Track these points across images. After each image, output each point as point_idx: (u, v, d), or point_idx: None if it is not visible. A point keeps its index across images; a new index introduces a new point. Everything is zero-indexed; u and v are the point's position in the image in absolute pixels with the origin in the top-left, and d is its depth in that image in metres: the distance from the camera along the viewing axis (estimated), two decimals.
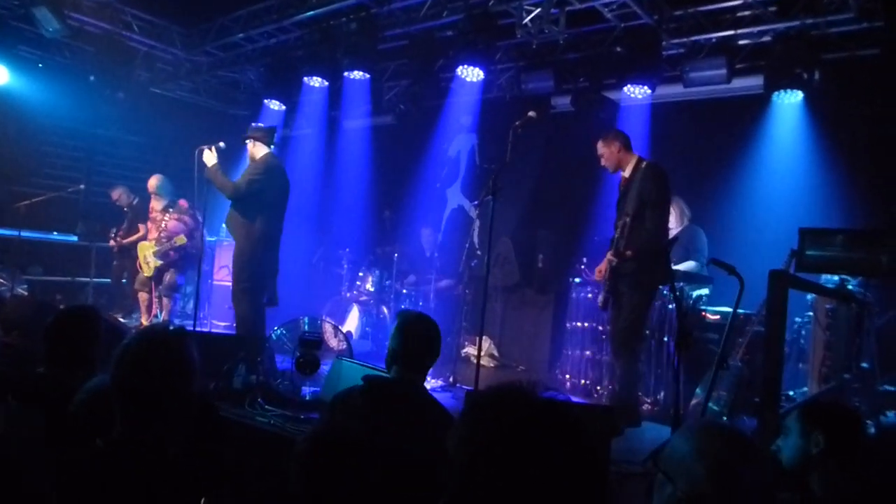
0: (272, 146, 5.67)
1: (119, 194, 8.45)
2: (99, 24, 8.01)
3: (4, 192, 8.62)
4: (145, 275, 7.48)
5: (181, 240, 6.91)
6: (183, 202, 7.53)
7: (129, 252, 8.11)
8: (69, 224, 8.77)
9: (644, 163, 4.82)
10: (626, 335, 4.78)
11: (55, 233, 8.96)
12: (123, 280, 8.37)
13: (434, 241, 8.37)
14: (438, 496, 1.15)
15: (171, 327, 1.95)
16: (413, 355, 2.65)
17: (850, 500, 2.15)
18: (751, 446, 1.41)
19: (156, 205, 7.59)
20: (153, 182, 7.55)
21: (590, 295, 6.26)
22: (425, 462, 2.27)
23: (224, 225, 6.12)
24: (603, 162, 4.99)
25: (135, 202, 8.39)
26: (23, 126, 8.76)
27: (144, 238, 7.84)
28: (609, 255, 4.82)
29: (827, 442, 2.17)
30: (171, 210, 7.45)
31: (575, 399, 5.42)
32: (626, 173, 4.89)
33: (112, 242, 8.27)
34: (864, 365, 4.55)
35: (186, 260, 7.33)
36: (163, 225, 7.39)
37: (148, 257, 7.42)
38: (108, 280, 8.61)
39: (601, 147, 4.97)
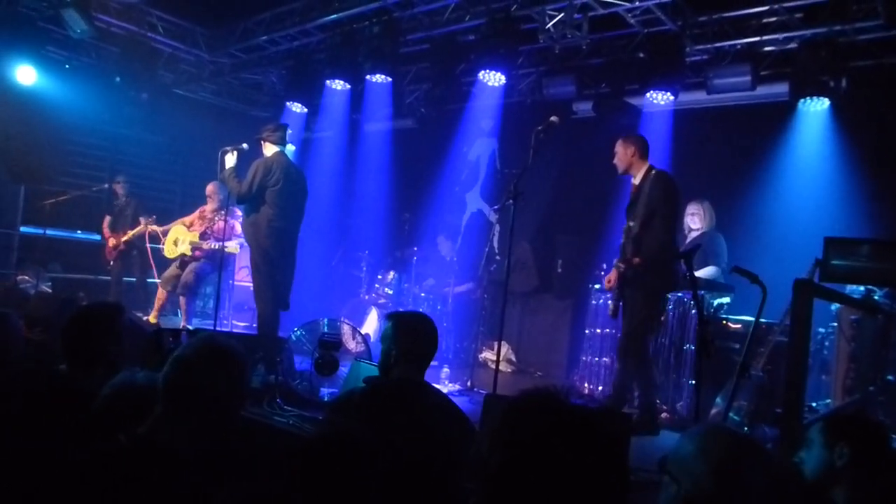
0: (283, 145, 5.69)
1: (119, 186, 8.52)
2: (125, 25, 8.13)
3: (30, 190, 8.75)
4: (168, 256, 7.57)
5: (234, 248, 6.95)
6: (236, 209, 7.61)
7: (135, 245, 8.20)
8: (93, 223, 8.88)
9: (654, 171, 4.80)
10: (628, 340, 4.75)
11: (79, 231, 9.09)
12: (133, 278, 8.42)
13: (451, 248, 8.34)
14: (444, 498, 1.15)
15: (235, 345, 1.97)
16: (418, 354, 2.63)
17: None
18: (756, 446, 1.42)
19: (209, 206, 7.70)
20: (210, 188, 7.67)
21: (609, 302, 6.20)
22: (430, 463, 2.25)
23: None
24: (614, 160, 4.96)
25: (131, 199, 8.47)
26: (49, 125, 8.87)
27: (144, 232, 7.97)
28: (617, 262, 4.82)
29: (852, 455, 2.10)
30: (222, 212, 7.52)
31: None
32: (636, 180, 4.87)
33: (113, 241, 8.24)
34: (890, 378, 4.47)
35: (208, 271, 7.34)
36: (213, 225, 7.48)
37: (181, 242, 7.48)
38: (133, 279, 8.61)
39: (618, 146, 4.94)
